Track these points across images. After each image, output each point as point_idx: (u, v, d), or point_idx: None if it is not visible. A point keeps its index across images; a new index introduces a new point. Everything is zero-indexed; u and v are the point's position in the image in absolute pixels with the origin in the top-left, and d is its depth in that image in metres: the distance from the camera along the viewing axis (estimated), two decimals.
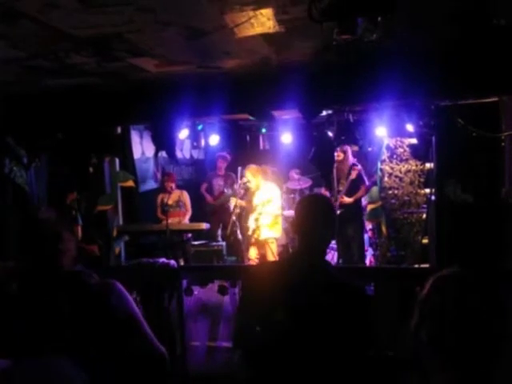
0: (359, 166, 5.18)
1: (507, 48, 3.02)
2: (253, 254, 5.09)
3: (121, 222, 5.22)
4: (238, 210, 5.12)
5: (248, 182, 5.09)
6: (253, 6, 2.24)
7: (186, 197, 5.95)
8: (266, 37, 2.71)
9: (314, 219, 1.69)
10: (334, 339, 1.57)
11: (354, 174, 5.07)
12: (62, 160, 4.76)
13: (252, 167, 5.20)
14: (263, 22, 2.45)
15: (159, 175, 7.02)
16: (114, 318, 1.53)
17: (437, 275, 1.62)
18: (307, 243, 1.69)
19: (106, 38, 2.66)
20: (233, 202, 5.31)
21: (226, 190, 6.31)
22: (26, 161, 4.78)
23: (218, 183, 6.58)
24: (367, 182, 5.28)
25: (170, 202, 5.81)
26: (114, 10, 2.23)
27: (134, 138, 6.11)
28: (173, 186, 5.85)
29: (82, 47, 2.80)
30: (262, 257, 5.05)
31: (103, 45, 2.78)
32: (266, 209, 4.99)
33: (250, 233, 5.17)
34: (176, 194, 5.90)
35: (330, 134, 4.26)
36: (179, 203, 5.86)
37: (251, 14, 2.34)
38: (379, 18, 1.78)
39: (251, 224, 5.14)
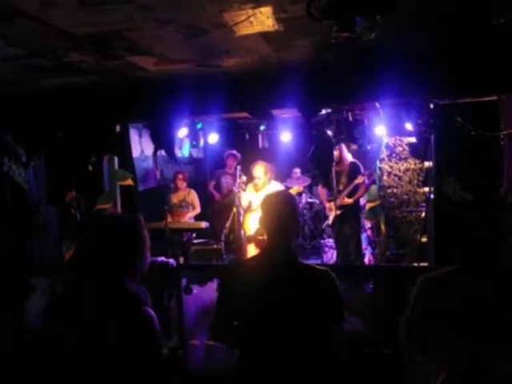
0: (362, 171, 5.10)
1: (506, 47, 3.03)
2: (252, 252, 5.08)
3: None
4: (241, 210, 5.09)
5: (258, 178, 5.05)
6: (252, 4, 2.24)
7: (193, 195, 5.95)
8: (265, 35, 2.71)
9: (278, 215, 1.83)
10: (307, 320, 1.72)
11: (360, 179, 5.03)
12: (61, 158, 4.76)
13: (262, 163, 5.15)
14: (262, 20, 2.45)
15: (158, 174, 7.02)
16: (141, 353, 1.41)
17: (426, 276, 1.67)
18: (274, 237, 1.83)
19: (104, 37, 2.65)
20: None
21: (234, 188, 6.32)
22: (25, 159, 4.78)
23: (227, 181, 6.58)
24: (366, 182, 5.28)
25: (175, 201, 5.83)
26: (113, 9, 2.23)
27: (133, 136, 6.10)
28: (184, 184, 5.88)
29: (80, 45, 2.80)
30: None
31: (102, 43, 2.77)
32: None
33: (251, 233, 5.13)
34: (182, 193, 5.90)
35: (330, 132, 4.26)
36: (182, 203, 5.86)
37: (250, 12, 2.34)
38: (378, 17, 1.78)
39: (253, 223, 5.09)
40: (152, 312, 1.50)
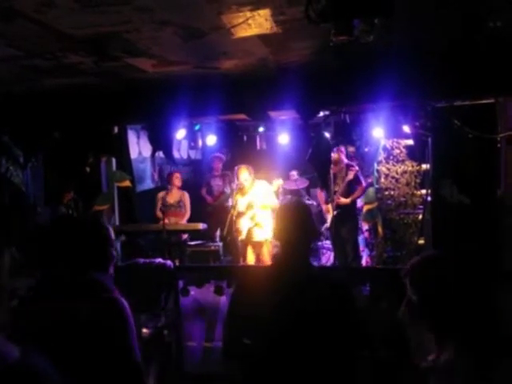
0: (356, 167, 5.18)
1: (503, 50, 3.04)
2: (250, 255, 5.07)
3: (117, 222, 5.22)
4: (235, 211, 5.07)
5: (245, 181, 5.05)
6: (250, 6, 2.25)
7: (186, 198, 5.93)
8: (263, 37, 2.72)
9: (294, 227, 1.74)
10: (327, 342, 1.60)
11: (351, 175, 5.07)
12: (59, 160, 4.75)
13: (245, 166, 5.16)
14: (260, 22, 2.45)
15: (156, 175, 7.02)
16: (106, 340, 1.50)
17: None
18: (289, 250, 1.74)
19: (103, 38, 2.65)
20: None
21: (225, 190, 6.32)
22: (23, 160, 4.77)
23: (217, 183, 6.59)
24: (364, 183, 5.30)
25: (171, 201, 5.82)
26: (112, 10, 2.23)
27: (131, 137, 6.11)
28: (179, 185, 5.87)
29: (79, 47, 2.80)
30: (258, 258, 5.02)
31: (101, 44, 2.77)
32: (265, 203, 4.94)
33: (243, 236, 5.10)
34: (177, 194, 5.89)
35: (327, 134, 4.27)
36: (180, 203, 5.85)
37: (248, 14, 2.34)
38: (376, 20, 1.78)
39: (245, 224, 5.07)
40: (119, 298, 1.58)
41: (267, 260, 4.93)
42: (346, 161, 5.28)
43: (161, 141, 4.68)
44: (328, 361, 1.59)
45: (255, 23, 2.46)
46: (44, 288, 1.61)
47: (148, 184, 6.87)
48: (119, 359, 1.52)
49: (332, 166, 4.97)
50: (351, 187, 5.19)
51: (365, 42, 2.00)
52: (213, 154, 6.72)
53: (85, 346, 1.48)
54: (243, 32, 2.59)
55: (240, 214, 5.06)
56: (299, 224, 1.75)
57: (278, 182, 5.45)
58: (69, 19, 2.34)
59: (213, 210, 6.41)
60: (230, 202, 5.34)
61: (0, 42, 2.64)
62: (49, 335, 1.48)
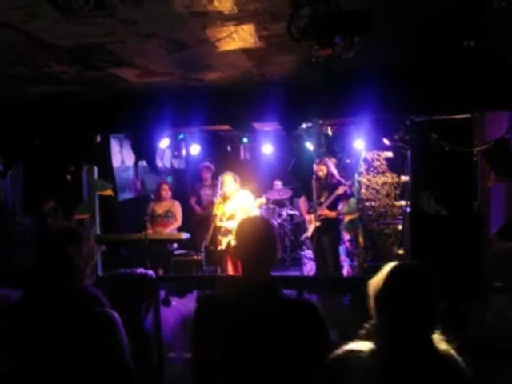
0: (346, 183, 5.16)
1: (477, 69, 3.17)
2: (229, 266, 5.05)
3: (98, 231, 5.17)
4: (220, 223, 5.06)
5: (228, 188, 5.03)
6: (234, 21, 2.30)
7: (177, 207, 5.88)
8: (246, 51, 2.77)
9: (255, 243, 1.64)
10: (292, 356, 1.57)
11: (341, 190, 5.07)
12: (39, 168, 4.70)
13: (230, 173, 5.16)
14: (244, 37, 2.51)
15: (139, 184, 6.98)
16: (100, 353, 1.51)
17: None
18: (251, 268, 1.66)
19: (87, 48, 2.66)
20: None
21: (214, 200, 6.32)
22: (2, 168, 4.70)
23: (206, 193, 6.57)
24: (348, 191, 5.33)
25: (160, 212, 5.78)
26: (97, 22, 2.25)
27: (114, 146, 6.07)
28: (169, 194, 5.84)
29: (63, 56, 2.80)
30: (238, 270, 4.99)
31: (85, 55, 2.78)
32: (248, 212, 4.92)
33: (222, 246, 5.05)
34: (167, 204, 5.84)
35: (310, 146, 4.34)
36: (168, 213, 5.81)
37: (232, 29, 2.39)
38: (355, 38, 1.85)
39: (226, 234, 5.03)
40: (110, 311, 1.58)
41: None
42: (337, 177, 5.24)
43: (144, 150, 4.67)
44: (285, 375, 1.57)
45: (239, 37, 2.52)
46: (33, 301, 1.60)
47: (130, 193, 6.82)
48: (112, 370, 1.53)
49: (320, 178, 5.04)
50: (338, 201, 5.23)
51: (345, 58, 2.07)
52: (202, 164, 6.72)
53: (77, 357, 1.49)
54: (227, 45, 2.64)
55: (221, 225, 5.05)
56: (260, 240, 1.65)
57: (261, 201, 5.45)
58: (54, 30, 2.34)
59: (201, 220, 6.39)
60: (213, 212, 5.32)
61: None
62: (42, 348, 1.49)
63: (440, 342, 1.38)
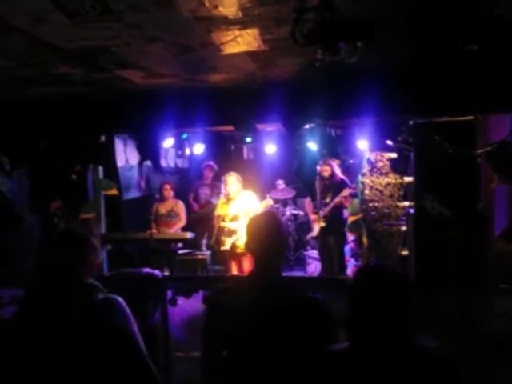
0: (351, 186, 5.14)
1: (480, 71, 3.17)
2: (233, 266, 5.06)
3: (103, 230, 5.21)
4: (223, 223, 5.07)
5: (232, 188, 5.02)
6: (239, 25, 2.32)
7: (180, 207, 5.89)
8: (251, 54, 2.80)
9: (265, 238, 1.71)
10: (297, 350, 1.61)
11: (346, 192, 5.07)
12: (46, 168, 4.75)
13: (234, 173, 5.16)
14: (249, 40, 2.53)
15: (143, 183, 7.01)
16: (112, 336, 1.56)
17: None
18: (261, 262, 1.72)
19: (93, 51, 2.70)
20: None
21: (212, 200, 6.33)
22: (9, 168, 4.75)
23: (205, 192, 6.60)
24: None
25: (163, 212, 5.81)
26: (103, 26, 2.28)
27: (118, 146, 6.10)
28: (171, 194, 5.85)
29: (69, 59, 2.84)
30: (242, 270, 5.00)
31: (91, 57, 2.82)
32: (251, 212, 4.91)
33: (226, 247, 5.05)
34: (170, 204, 5.85)
35: (313, 147, 4.36)
36: (171, 213, 5.83)
37: (237, 33, 2.42)
38: (359, 43, 1.87)
39: (230, 235, 5.02)
40: (113, 296, 1.64)
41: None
42: (340, 176, 5.26)
43: (149, 151, 4.71)
44: (302, 376, 1.58)
45: (243, 41, 2.54)
46: (40, 297, 1.65)
47: (135, 192, 6.85)
48: (125, 350, 1.57)
49: (324, 178, 5.04)
50: (341, 204, 5.23)
51: (349, 62, 2.08)
52: (205, 163, 6.74)
53: (87, 342, 1.53)
54: (232, 49, 2.66)
55: (225, 225, 5.06)
56: (269, 236, 1.71)
57: (268, 202, 5.46)
58: (61, 33, 2.38)
59: (198, 218, 6.43)
60: (215, 212, 5.34)
61: None
62: (53, 335, 1.54)
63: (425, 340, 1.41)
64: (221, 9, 2.10)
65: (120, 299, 1.64)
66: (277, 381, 1.62)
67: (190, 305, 4.14)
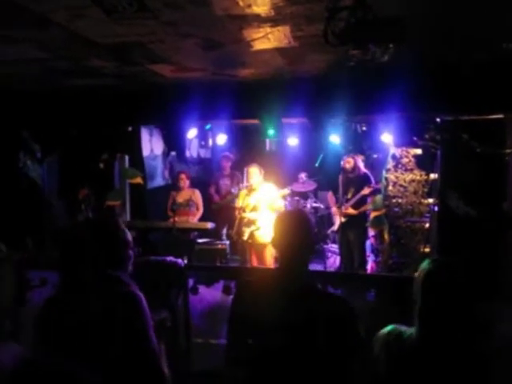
0: (373, 185, 5.10)
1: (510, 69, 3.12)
2: (253, 257, 5.11)
3: (128, 217, 5.35)
4: (244, 213, 5.13)
5: (254, 180, 5.05)
6: (270, 23, 2.35)
7: (197, 196, 5.93)
8: (280, 50, 2.82)
9: (293, 236, 1.72)
10: (323, 348, 1.64)
11: (367, 191, 5.03)
12: (75, 156, 4.89)
13: (255, 165, 5.17)
14: (279, 37, 2.55)
15: (167, 173, 7.12)
16: (125, 330, 1.62)
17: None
18: (288, 259, 1.73)
19: (127, 47, 2.76)
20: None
21: (233, 190, 6.38)
22: (40, 155, 4.91)
23: (225, 183, 6.65)
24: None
25: (180, 201, 5.87)
26: (138, 23, 2.34)
27: (144, 135, 6.20)
28: (187, 183, 5.89)
29: (103, 53, 2.91)
30: (261, 261, 5.05)
31: (124, 52, 2.88)
32: (272, 204, 4.95)
33: (245, 238, 5.09)
34: (187, 193, 5.90)
35: (337, 141, 4.35)
36: (189, 202, 5.88)
37: (268, 30, 2.44)
38: (391, 45, 1.88)
39: (248, 226, 5.07)
40: (134, 291, 1.69)
41: (269, 262, 4.97)
42: (363, 170, 5.21)
43: (175, 141, 4.81)
44: (322, 369, 1.63)
45: (274, 38, 2.56)
46: (67, 287, 1.74)
47: (159, 181, 6.97)
48: (137, 346, 1.63)
49: (347, 171, 5.01)
50: (363, 200, 5.19)
51: (379, 62, 2.09)
52: (222, 154, 6.80)
53: (104, 335, 1.61)
54: (262, 45, 2.69)
55: (245, 216, 5.11)
56: (297, 233, 1.72)
57: (284, 192, 5.48)
58: (97, 29, 2.45)
59: (219, 209, 6.49)
60: (235, 203, 5.37)
61: (32, 46, 2.76)
62: (75, 329, 1.62)
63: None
64: (254, 7, 2.12)
65: (140, 295, 1.68)
66: (301, 372, 1.66)
67: (210, 294, 4.24)
